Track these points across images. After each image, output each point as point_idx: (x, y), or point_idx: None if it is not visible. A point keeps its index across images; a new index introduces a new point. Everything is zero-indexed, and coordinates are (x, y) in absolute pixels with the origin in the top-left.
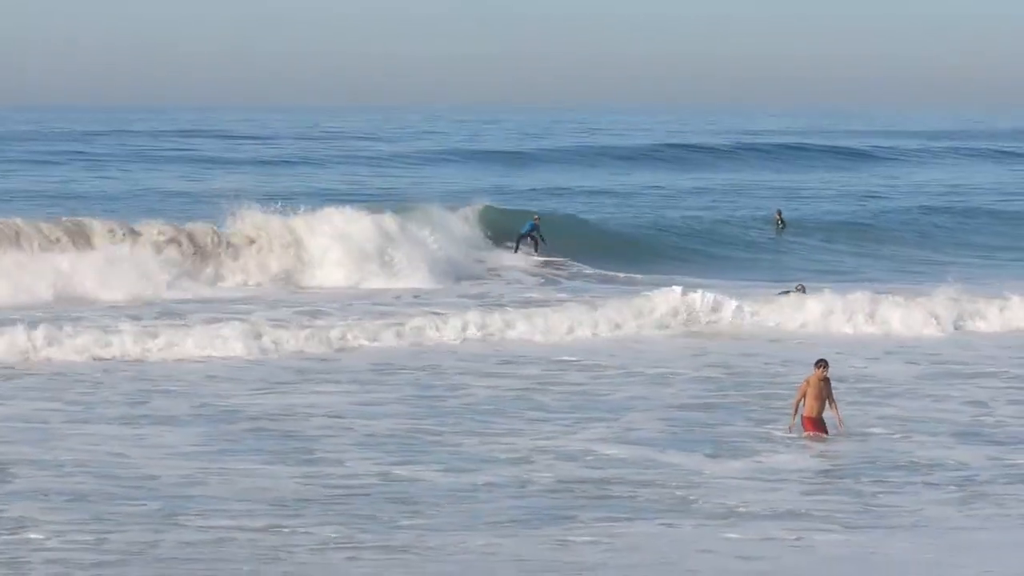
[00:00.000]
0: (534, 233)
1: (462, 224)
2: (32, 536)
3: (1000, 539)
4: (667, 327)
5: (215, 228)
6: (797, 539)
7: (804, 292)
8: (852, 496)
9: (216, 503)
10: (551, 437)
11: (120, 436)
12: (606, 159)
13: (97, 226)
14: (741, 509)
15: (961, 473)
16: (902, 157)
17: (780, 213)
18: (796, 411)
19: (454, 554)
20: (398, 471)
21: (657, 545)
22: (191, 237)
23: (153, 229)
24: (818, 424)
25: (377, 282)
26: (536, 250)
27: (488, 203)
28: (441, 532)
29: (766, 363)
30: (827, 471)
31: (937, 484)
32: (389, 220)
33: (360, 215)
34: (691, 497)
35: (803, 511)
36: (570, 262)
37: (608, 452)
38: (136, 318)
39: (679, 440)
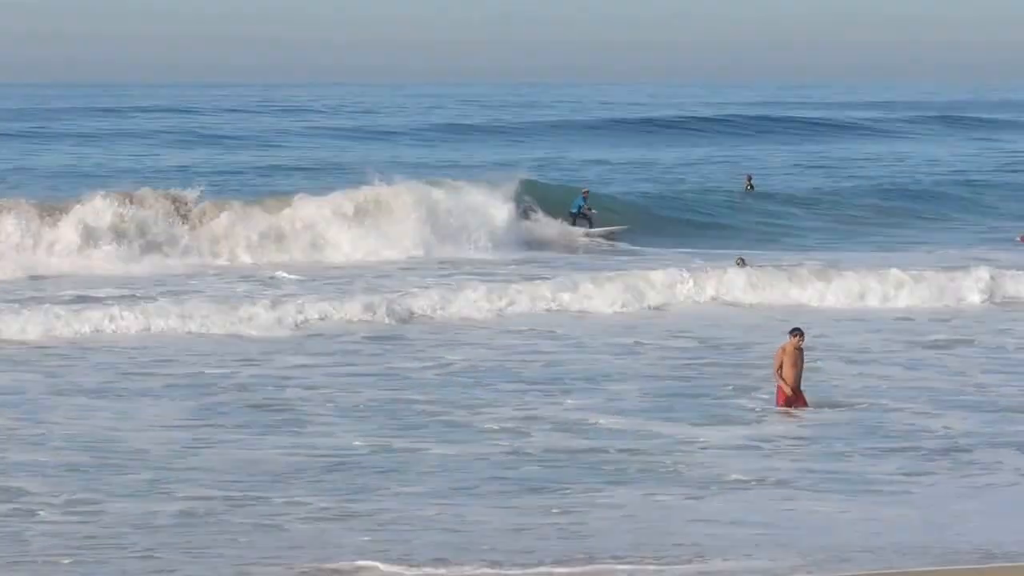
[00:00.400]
0: (585, 208)
1: (510, 198)
2: (28, 508)
3: (989, 505)
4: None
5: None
6: (789, 507)
7: (744, 265)
8: (838, 462)
9: (208, 474)
10: (535, 407)
11: (105, 409)
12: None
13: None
14: (732, 477)
15: (946, 440)
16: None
17: (750, 178)
18: (780, 378)
19: (448, 523)
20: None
21: (649, 513)
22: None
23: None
24: (794, 396)
25: (440, 253)
26: (591, 224)
27: (529, 177)
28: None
29: (730, 334)
30: (815, 438)
31: (923, 451)
32: (442, 193)
33: (422, 187)
34: (681, 465)
35: (793, 479)
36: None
37: (595, 421)
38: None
39: (663, 409)
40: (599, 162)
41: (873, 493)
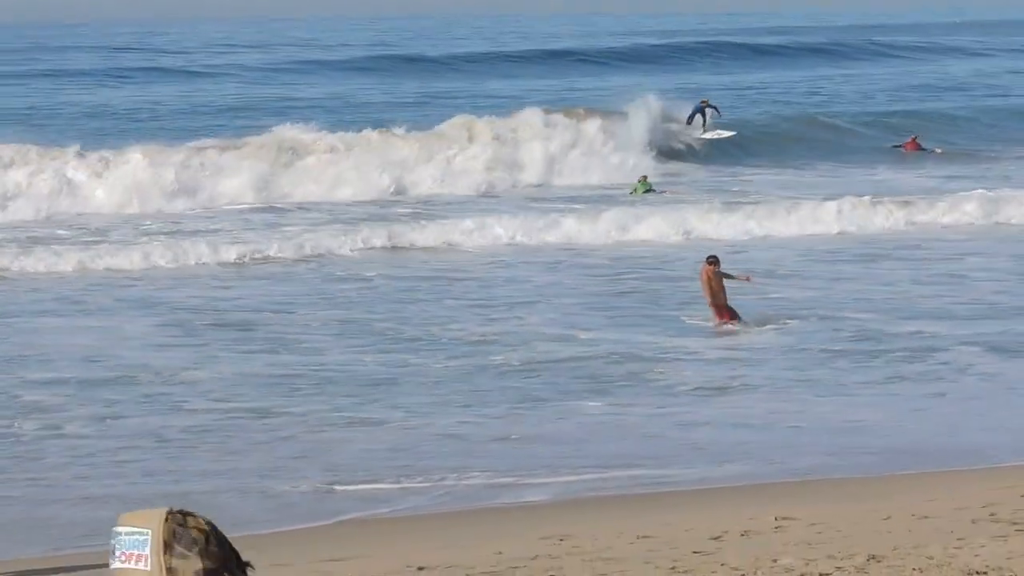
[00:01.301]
0: (706, 109)
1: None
2: (45, 425)
3: (962, 406)
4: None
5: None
6: (770, 413)
7: (649, 185)
8: (819, 367)
9: (213, 388)
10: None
11: (97, 329)
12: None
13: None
14: (718, 384)
15: (905, 343)
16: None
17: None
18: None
19: (441, 433)
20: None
21: (640, 421)
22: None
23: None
24: (727, 311)
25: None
26: (704, 127)
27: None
28: (426, 414)
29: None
30: (791, 347)
31: (888, 354)
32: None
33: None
34: (658, 373)
35: (781, 385)
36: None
37: (569, 333)
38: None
39: (630, 323)
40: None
41: (848, 396)
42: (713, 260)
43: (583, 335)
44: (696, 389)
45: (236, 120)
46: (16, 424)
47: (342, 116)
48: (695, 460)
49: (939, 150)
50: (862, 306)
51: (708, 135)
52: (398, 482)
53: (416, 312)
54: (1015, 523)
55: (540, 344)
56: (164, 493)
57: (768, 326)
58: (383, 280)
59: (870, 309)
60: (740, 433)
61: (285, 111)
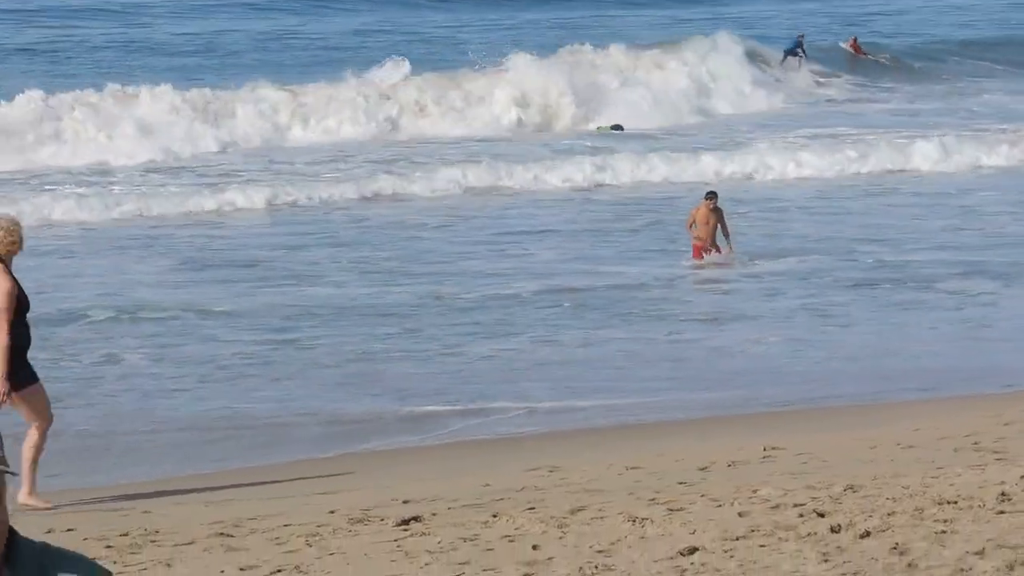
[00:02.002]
0: (798, 50)
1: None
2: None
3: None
4: None
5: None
6: (769, 344)
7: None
8: (827, 295)
9: (241, 320)
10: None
11: (119, 270)
12: None
13: None
14: (726, 313)
15: (892, 271)
16: None
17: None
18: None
19: (463, 362)
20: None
21: (643, 349)
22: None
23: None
24: (707, 250)
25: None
26: (800, 65)
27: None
28: (446, 341)
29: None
30: (782, 276)
31: (876, 285)
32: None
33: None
34: (669, 301)
35: (784, 316)
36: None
37: (568, 267)
38: None
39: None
40: None
41: (850, 326)
42: (712, 196)
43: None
44: (706, 318)
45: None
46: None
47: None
48: (692, 388)
49: (883, 58)
50: (870, 236)
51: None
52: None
53: (427, 249)
54: (996, 451)
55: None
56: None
57: (759, 260)
58: (391, 221)
59: (876, 239)
60: (738, 362)
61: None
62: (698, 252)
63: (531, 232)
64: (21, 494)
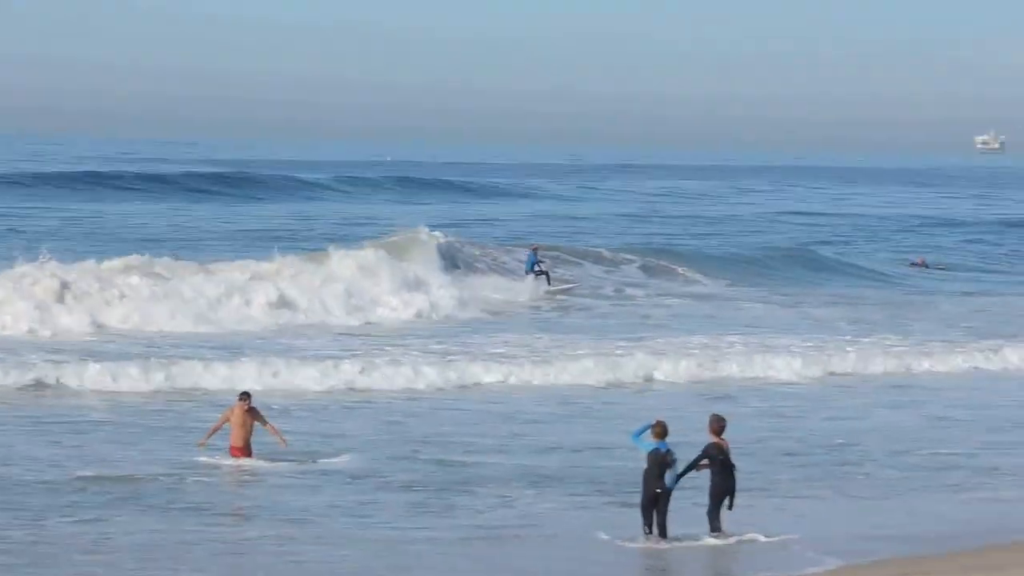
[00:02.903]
0: (539, 265)
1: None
2: None
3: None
4: None
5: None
6: None
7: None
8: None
9: None
10: None
11: None
12: None
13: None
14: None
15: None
16: None
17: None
18: (213, 432)
19: None
20: None
21: None
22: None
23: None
24: (244, 451)
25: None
26: (548, 282)
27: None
28: None
29: None
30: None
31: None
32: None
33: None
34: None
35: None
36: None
37: None
38: None
39: None
40: None
41: None
42: (245, 396)
43: None
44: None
45: None
46: None
47: None
48: None
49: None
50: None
51: (554, 287)
52: None
53: None
54: None
55: None
56: None
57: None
58: None
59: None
60: None
61: None
62: (238, 451)
63: None
64: None
